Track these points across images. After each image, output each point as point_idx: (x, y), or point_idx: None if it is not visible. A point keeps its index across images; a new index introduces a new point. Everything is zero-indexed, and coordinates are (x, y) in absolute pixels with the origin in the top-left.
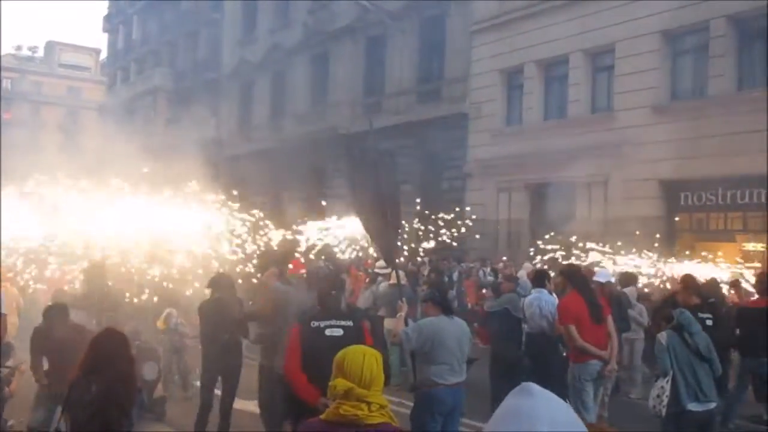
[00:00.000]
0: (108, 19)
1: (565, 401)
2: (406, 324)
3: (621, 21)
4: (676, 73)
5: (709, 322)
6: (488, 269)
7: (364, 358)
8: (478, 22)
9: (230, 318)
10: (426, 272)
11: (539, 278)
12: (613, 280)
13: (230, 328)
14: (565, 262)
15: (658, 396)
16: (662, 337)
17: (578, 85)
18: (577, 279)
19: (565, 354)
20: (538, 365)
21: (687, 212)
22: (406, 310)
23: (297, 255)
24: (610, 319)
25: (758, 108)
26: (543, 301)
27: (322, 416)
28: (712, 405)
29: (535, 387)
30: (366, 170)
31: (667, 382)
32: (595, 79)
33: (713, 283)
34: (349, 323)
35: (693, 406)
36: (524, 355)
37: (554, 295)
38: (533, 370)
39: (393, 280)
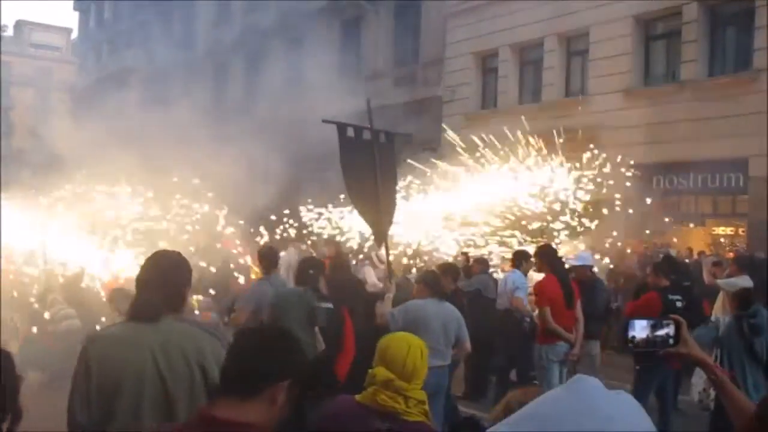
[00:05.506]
0: None
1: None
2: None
3: (595, 5)
4: (649, 57)
5: (679, 304)
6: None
7: (409, 349)
8: (453, 5)
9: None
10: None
11: (516, 258)
12: (592, 263)
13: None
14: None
15: (704, 390)
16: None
17: (553, 68)
18: (553, 261)
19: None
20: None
21: (659, 196)
22: (394, 291)
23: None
24: (578, 304)
25: (729, 93)
26: (510, 280)
27: (357, 397)
28: None
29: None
30: (360, 151)
31: None
32: (570, 63)
33: (683, 266)
34: (330, 306)
35: None
36: (497, 335)
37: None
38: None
39: (376, 264)
